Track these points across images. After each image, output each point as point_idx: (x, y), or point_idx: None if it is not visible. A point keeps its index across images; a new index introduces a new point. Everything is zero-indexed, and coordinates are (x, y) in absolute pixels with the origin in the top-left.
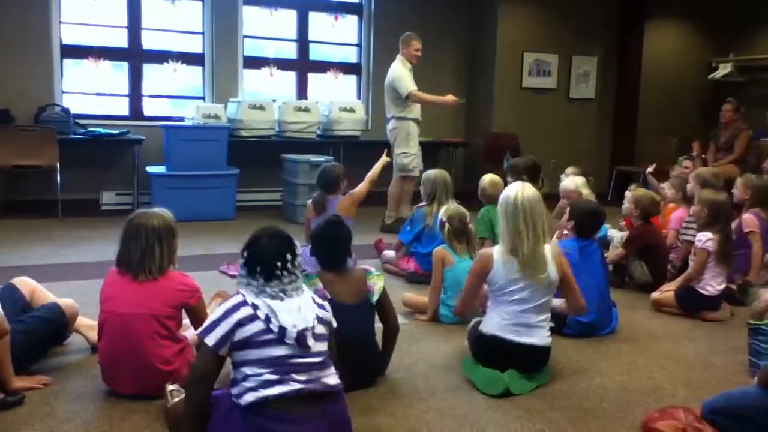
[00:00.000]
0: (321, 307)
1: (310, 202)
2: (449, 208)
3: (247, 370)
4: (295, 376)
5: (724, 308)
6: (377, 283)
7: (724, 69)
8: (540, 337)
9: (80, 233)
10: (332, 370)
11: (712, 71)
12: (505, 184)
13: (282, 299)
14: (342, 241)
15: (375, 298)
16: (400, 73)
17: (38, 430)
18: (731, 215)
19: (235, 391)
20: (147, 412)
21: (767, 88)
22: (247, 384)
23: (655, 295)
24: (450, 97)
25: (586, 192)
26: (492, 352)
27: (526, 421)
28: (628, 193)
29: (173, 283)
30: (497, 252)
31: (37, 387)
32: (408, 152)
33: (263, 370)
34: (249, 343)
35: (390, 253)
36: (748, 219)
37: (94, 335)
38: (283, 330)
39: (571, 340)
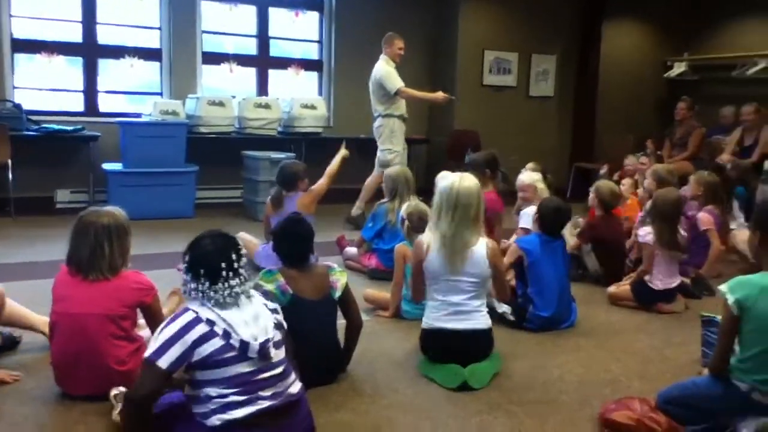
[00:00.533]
0: (274, 311)
1: (269, 199)
2: (410, 204)
3: (211, 391)
4: (261, 393)
5: (678, 301)
6: (340, 279)
7: (678, 68)
8: (478, 321)
9: (34, 232)
10: (293, 376)
11: (667, 70)
12: None
13: (234, 307)
14: (304, 237)
15: (338, 294)
16: (387, 71)
17: None
18: (677, 212)
19: (198, 410)
20: (101, 414)
21: (720, 87)
22: (212, 406)
23: (611, 289)
24: (440, 94)
25: (541, 187)
26: (438, 345)
27: (486, 415)
28: (592, 187)
29: (127, 281)
30: (431, 237)
31: (6, 380)
32: (392, 149)
33: (228, 391)
34: (210, 362)
35: (352, 250)
36: (704, 217)
37: None
38: (245, 345)
39: (531, 334)
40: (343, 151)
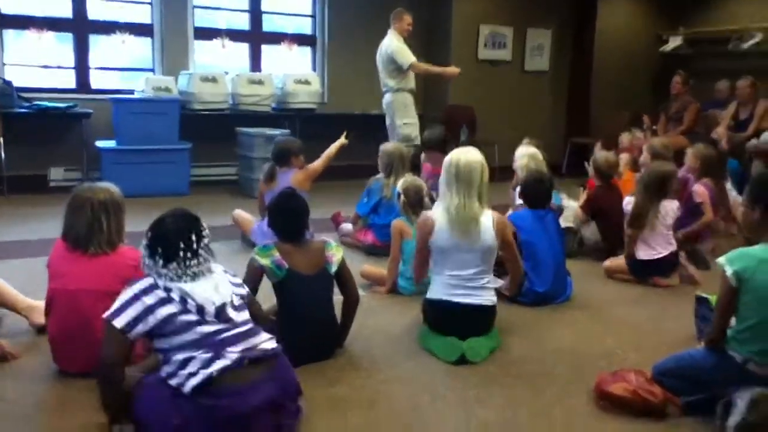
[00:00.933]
0: (237, 285)
1: (262, 175)
2: (406, 180)
3: (180, 356)
4: (229, 349)
5: (675, 275)
6: (336, 254)
7: (674, 42)
8: (485, 297)
9: (27, 210)
10: (265, 335)
11: (662, 44)
12: None
13: (190, 280)
14: (298, 212)
15: (334, 268)
16: (398, 45)
17: None
18: (663, 185)
19: (174, 382)
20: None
21: (715, 61)
22: (186, 371)
23: (606, 263)
24: (453, 69)
25: (523, 163)
26: (441, 316)
27: (483, 388)
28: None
29: (124, 258)
30: (437, 213)
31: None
32: (410, 122)
33: (196, 352)
34: (171, 328)
35: (347, 226)
36: (699, 190)
37: (37, 317)
38: (201, 308)
39: (527, 308)
40: (342, 140)
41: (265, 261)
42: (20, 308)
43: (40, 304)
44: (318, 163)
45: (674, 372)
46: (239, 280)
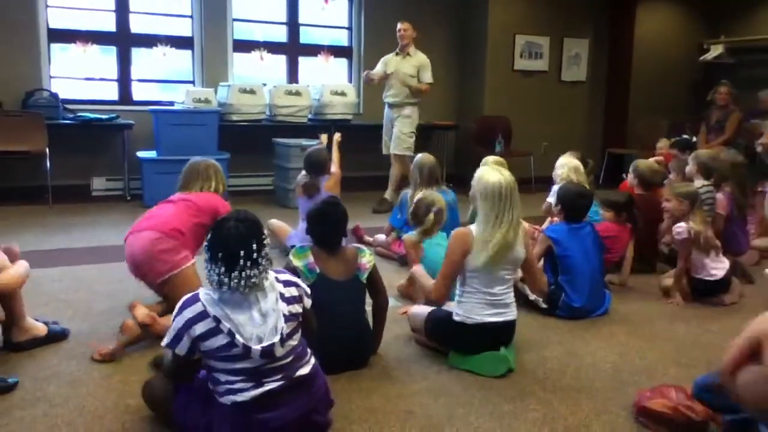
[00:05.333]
0: (291, 284)
1: (298, 188)
2: (425, 193)
3: (221, 377)
4: (267, 379)
5: (734, 290)
6: (368, 261)
7: (715, 50)
8: (513, 312)
9: (71, 219)
10: (305, 359)
11: (703, 53)
12: None
13: (245, 304)
14: (339, 221)
15: (365, 275)
16: (428, 60)
17: (31, 414)
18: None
19: (213, 387)
20: (139, 396)
21: (758, 70)
22: (223, 387)
23: (665, 281)
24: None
25: (560, 173)
26: (474, 338)
27: (519, 402)
28: (631, 166)
29: None
30: (475, 233)
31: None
32: (414, 133)
33: (236, 378)
34: (216, 356)
35: (381, 237)
36: (720, 199)
37: (16, 334)
38: (247, 348)
39: (563, 322)
40: (336, 138)
41: (298, 263)
42: (16, 327)
43: (36, 324)
44: (337, 168)
45: (717, 389)
46: (296, 291)
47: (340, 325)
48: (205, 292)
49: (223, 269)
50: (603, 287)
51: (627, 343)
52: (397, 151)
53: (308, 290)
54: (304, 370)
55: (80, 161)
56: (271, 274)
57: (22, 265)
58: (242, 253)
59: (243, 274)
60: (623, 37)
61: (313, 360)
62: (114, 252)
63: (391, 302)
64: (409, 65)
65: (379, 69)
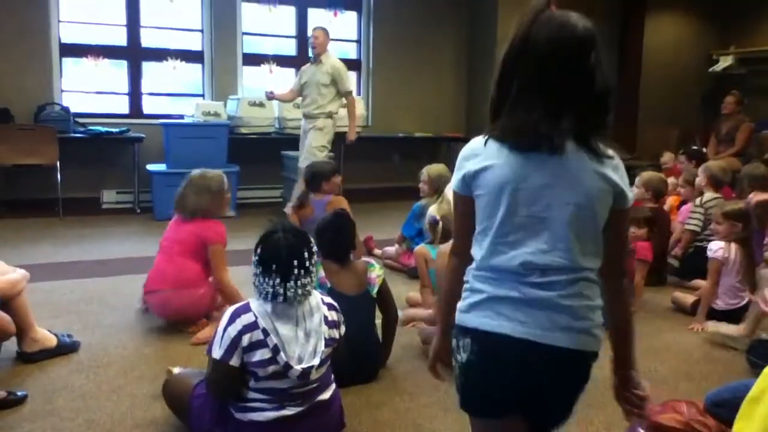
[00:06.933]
0: (333, 308)
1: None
2: (443, 207)
3: (244, 392)
4: (290, 403)
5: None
6: (378, 275)
7: (725, 61)
8: None
9: (81, 232)
10: (328, 384)
11: (713, 63)
12: None
13: (292, 322)
14: (347, 232)
15: (375, 289)
16: (343, 66)
17: (40, 427)
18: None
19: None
20: (148, 410)
21: None
22: (241, 403)
23: (677, 294)
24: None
25: None
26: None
27: None
28: (637, 180)
29: None
30: None
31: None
32: (327, 147)
33: (259, 396)
34: (250, 370)
35: (390, 250)
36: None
37: (29, 344)
38: (288, 366)
39: None
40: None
41: None
42: (26, 338)
43: (47, 336)
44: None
45: (730, 403)
46: (336, 317)
47: (352, 339)
48: (257, 303)
49: (278, 280)
50: None
51: (637, 356)
52: (301, 164)
53: (342, 318)
54: (324, 396)
55: (91, 174)
56: (317, 295)
57: (18, 272)
58: (296, 262)
59: (298, 283)
60: (632, 47)
61: (333, 386)
62: (124, 265)
63: (399, 313)
64: (321, 73)
65: (296, 80)
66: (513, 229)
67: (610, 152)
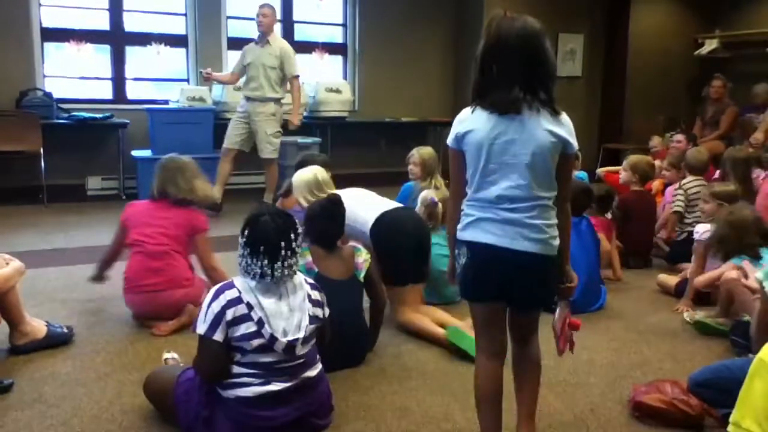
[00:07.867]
0: (316, 288)
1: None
2: (441, 190)
3: (231, 368)
4: (277, 379)
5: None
6: (365, 260)
7: (710, 45)
8: None
9: (66, 219)
10: (314, 363)
11: (698, 47)
12: None
13: (276, 294)
14: (340, 218)
15: (362, 274)
16: (292, 49)
17: (28, 415)
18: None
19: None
20: (136, 395)
21: (753, 64)
22: (229, 380)
23: (662, 277)
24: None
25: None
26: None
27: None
28: (624, 162)
29: None
30: None
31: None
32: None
33: (248, 371)
34: (236, 345)
35: None
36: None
37: (18, 338)
38: (273, 339)
39: None
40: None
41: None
42: (18, 327)
43: (39, 324)
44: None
45: (712, 383)
46: (319, 296)
47: (340, 325)
48: (241, 280)
49: (266, 261)
50: (599, 282)
51: (622, 337)
52: (265, 155)
53: (326, 299)
54: (311, 373)
55: (75, 161)
56: (300, 275)
57: (11, 266)
58: (283, 244)
59: (285, 263)
60: (618, 33)
61: (320, 366)
62: None
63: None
64: (268, 55)
65: (237, 62)
66: (490, 172)
67: (560, 111)
